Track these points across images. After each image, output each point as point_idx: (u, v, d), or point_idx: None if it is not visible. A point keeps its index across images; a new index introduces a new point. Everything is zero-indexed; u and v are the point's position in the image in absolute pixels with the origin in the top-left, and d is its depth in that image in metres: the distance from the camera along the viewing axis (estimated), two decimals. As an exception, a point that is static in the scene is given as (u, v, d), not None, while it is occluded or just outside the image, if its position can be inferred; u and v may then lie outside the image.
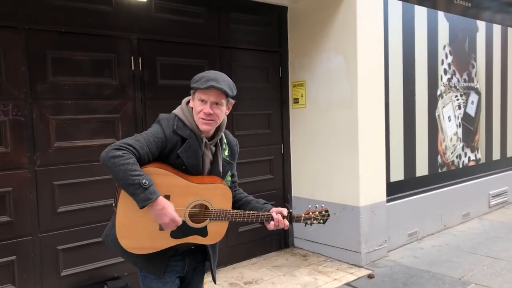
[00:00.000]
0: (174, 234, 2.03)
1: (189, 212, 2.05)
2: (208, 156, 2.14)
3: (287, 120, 5.36)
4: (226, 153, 2.24)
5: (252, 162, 5.02)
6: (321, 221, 2.35)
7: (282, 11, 5.24)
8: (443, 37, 6.09)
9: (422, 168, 5.82)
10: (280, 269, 4.71)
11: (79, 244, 3.77)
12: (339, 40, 4.78)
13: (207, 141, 2.12)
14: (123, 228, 1.99)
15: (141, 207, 1.89)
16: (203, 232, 2.10)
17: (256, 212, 2.17)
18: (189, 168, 2.06)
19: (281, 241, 5.37)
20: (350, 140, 4.73)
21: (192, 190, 2.04)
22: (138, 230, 1.99)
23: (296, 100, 5.27)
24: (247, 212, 2.15)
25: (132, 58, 4.03)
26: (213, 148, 2.17)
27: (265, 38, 5.12)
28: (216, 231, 2.13)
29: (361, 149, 4.68)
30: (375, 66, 4.83)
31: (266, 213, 2.18)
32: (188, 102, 2.15)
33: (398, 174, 5.46)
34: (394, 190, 5.31)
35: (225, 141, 2.26)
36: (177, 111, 2.14)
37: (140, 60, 4.08)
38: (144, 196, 1.86)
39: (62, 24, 3.66)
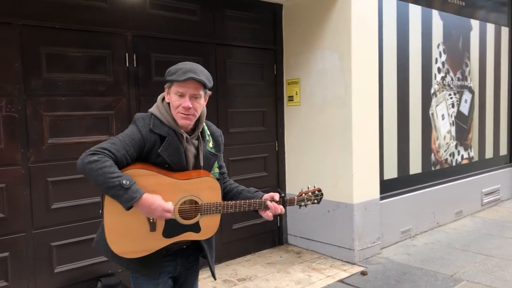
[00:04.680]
0: (167, 233, 1.98)
1: (178, 210, 2.00)
2: (191, 151, 2.08)
3: (282, 117, 5.37)
4: (211, 144, 2.18)
5: (246, 159, 5.03)
6: (315, 201, 2.30)
7: (277, 8, 5.25)
8: (437, 35, 6.12)
9: (415, 166, 5.86)
10: (274, 266, 4.73)
11: (73, 240, 3.76)
12: (334, 38, 4.80)
13: (188, 136, 2.06)
14: (112, 234, 1.94)
15: (127, 208, 1.84)
16: (195, 228, 2.04)
17: (248, 201, 2.12)
18: (172, 165, 2.00)
19: (275, 238, 5.39)
20: (344, 138, 4.75)
21: (179, 186, 1.99)
22: (129, 234, 1.94)
23: (290, 98, 5.28)
24: (238, 202, 2.09)
25: (127, 54, 4.03)
26: (196, 142, 2.11)
27: (260, 35, 5.12)
28: (209, 225, 2.08)
29: (355, 147, 4.70)
30: (369, 65, 4.85)
31: (258, 200, 2.13)
32: (163, 99, 2.09)
33: (391, 172, 5.49)
34: (387, 187, 5.34)
35: (208, 132, 2.20)
36: (153, 109, 2.08)
37: (134, 57, 4.07)
38: (127, 197, 1.81)
39: (57, 20, 3.64)
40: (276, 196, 2.17)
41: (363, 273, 4.45)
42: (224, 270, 4.61)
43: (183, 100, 1.99)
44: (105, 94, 3.91)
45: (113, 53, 3.95)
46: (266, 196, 2.17)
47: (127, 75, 4.04)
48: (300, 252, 5.16)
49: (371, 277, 4.37)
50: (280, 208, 2.14)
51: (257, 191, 2.25)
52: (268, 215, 2.14)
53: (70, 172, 3.71)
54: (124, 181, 1.81)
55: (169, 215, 1.91)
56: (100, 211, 1.96)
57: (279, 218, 5.38)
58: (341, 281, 4.31)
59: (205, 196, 2.04)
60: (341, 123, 4.77)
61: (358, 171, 4.75)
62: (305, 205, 2.29)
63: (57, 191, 3.69)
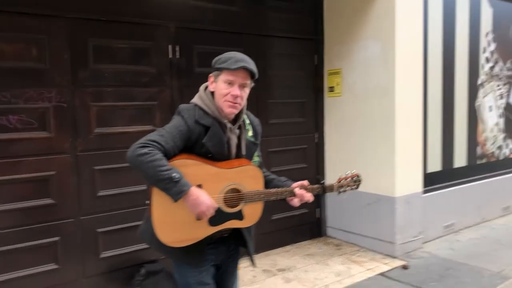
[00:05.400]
0: (212, 222, 2.03)
1: (223, 198, 2.05)
2: (233, 140, 2.12)
3: (322, 108, 5.32)
4: (250, 133, 2.22)
5: (285, 151, 5.02)
6: (354, 186, 2.37)
7: (318, -2, 5.19)
8: (486, 24, 5.88)
9: (460, 159, 5.68)
10: (313, 257, 4.72)
11: (117, 227, 3.88)
12: (377, 27, 4.69)
13: (231, 126, 2.10)
14: (161, 224, 1.98)
15: (175, 201, 1.89)
16: (239, 215, 2.10)
17: (280, 189, 2.17)
18: (215, 155, 2.05)
19: (314, 230, 5.37)
20: (386, 129, 4.66)
21: (223, 175, 2.04)
22: (176, 223, 1.99)
23: (331, 89, 5.22)
24: (273, 190, 2.15)
25: (170, 46, 4.09)
26: (237, 131, 2.14)
27: (301, 25, 5.08)
28: (252, 213, 2.14)
29: (397, 138, 4.61)
30: (413, 54, 4.73)
31: (288, 189, 2.18)
32: (206, 88, 2.13)
33: (435, 165, 5.35)
34: (431, 181, 5.21)
35: (247, 121, 2.24)
36: (196, 100, 2.11)
37: (177, 48, 4.13)
38: (176, 190, 1.86)
39: (103, 12, 3.74)
40: (305, 183, 2.21)
41: (404, 267, 4.38)
42: (263, 260, 4.64)
43: (232, 89, 2.02)
44: (149, 85, 4.00)
45: (156, 45, 4.02)
46: (295, 184, 2.21)
47: (170, 67, 4.10)
48: (339, 244, 5.12)
49: (413, 271, 4.28)
50: (307, 196, 2.18)
51: (286, 180, 2.28)
52: (294, 201, 2.19)
53: (115, 161, 3.81)
54: (173, 175, 1.85)
55: (211, 212, 1.96)
56: (147, 202, 2.01)
57: (319, 211, 5.36)
58: (382, 274, 4.25)
59: (248, 185, 2.10)
60: (384, 114, 4.68)
61: (401, 164, 4.65)
62: (345, 191, 2.34)
63: (102, 179, 3.80)
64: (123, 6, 3.84)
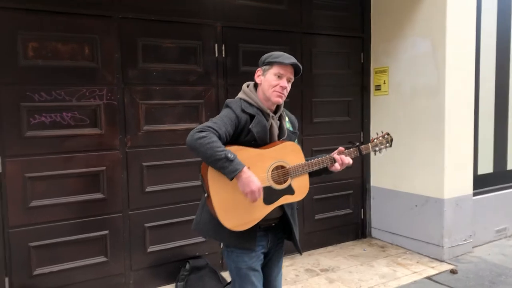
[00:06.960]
0: (267, 201, 2.19)
1: (271, 176, 2.21)
2: (275, 128, 2.32)
3: (368, 107, 5.22)
4: (288, 125, 2.43)
5: (330, 150, 4.90)
6: (387, 144, 2.52)
7: (365, -5, 5.09)
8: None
9: (514, 161, 5.44)
10: (357, 258, 4.65)
11: (164, 222, 3.96)
12: (427, 23, 4.55)
13: (273, 115, 2.31)
14: (223, 211, 2.14)
15: (231, 178, 2.05)
16: (290, 190, 2.26)
17: (321, 158, 2.34)
18: (259, 141, 2.24)
19: (358, 231, 5.29)
20: (435, 129, 4.52)
21: (266, 155, 2.21)
22: (237, 208, 2.14)
23: (378, 87, 5.12)
24: (315, 160, 2.32)
25: (216, 45, 4.13)
26: (278, 122, 2.36)
27: (347, 23, 5.00)
28: (301, 186, 2.28)
29: (447, 139, 4.46)
30: (465, 51, 4.55)
31: (328, 156, 2.35)
32: (247, 85, 2.37)
33: (486, 167, 5.14)
34: (481, 183, 5.01)
35: (285, 114, 2.46)
36: (240, 95, 2.35)
37: (223, 47, 4.17)
38: (232, 168, 2.04)
39: (152, 12, 3.83)
40: (342, 148, 2.39)
41: (453, 272, 4.24)
42: (306, 259, 4.61)
43: (281, 81, 2.27)
44: (196, 83, 4.05)
45: (203, 44, 4.07)
46: (333, 153, 2.38)
47: (216, 65, 4.15)
48: (384, 246, 5.02)
49: (462, 276, 4.14)
50: (346, 159, 2.35)
51: (323, 154, 2.44)
52: (335, 167, 2.35)
53: (162, 158, 3.91)
54: (229, 154, 2.04)
55: (258, 195, 2.09)
56: (206, 194, 2.17)
57: (363, 211, 5.27)
58: (429, 278, 4.13)
59: (290, 160, 2.26)
60: (433, 113, 4.53)
61: (450, 165, 4.50)
62: (380, 150, 2.51)
63: (150, 175, 3.89)
64: (172, 6, 3.91)
